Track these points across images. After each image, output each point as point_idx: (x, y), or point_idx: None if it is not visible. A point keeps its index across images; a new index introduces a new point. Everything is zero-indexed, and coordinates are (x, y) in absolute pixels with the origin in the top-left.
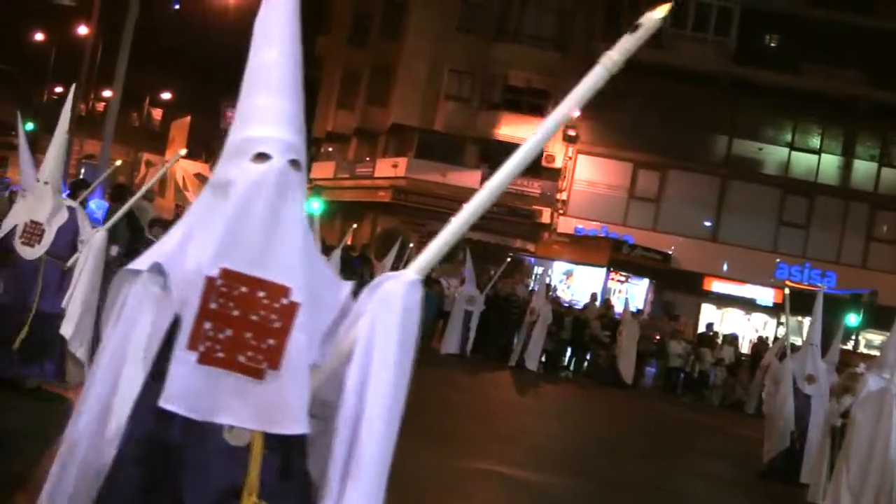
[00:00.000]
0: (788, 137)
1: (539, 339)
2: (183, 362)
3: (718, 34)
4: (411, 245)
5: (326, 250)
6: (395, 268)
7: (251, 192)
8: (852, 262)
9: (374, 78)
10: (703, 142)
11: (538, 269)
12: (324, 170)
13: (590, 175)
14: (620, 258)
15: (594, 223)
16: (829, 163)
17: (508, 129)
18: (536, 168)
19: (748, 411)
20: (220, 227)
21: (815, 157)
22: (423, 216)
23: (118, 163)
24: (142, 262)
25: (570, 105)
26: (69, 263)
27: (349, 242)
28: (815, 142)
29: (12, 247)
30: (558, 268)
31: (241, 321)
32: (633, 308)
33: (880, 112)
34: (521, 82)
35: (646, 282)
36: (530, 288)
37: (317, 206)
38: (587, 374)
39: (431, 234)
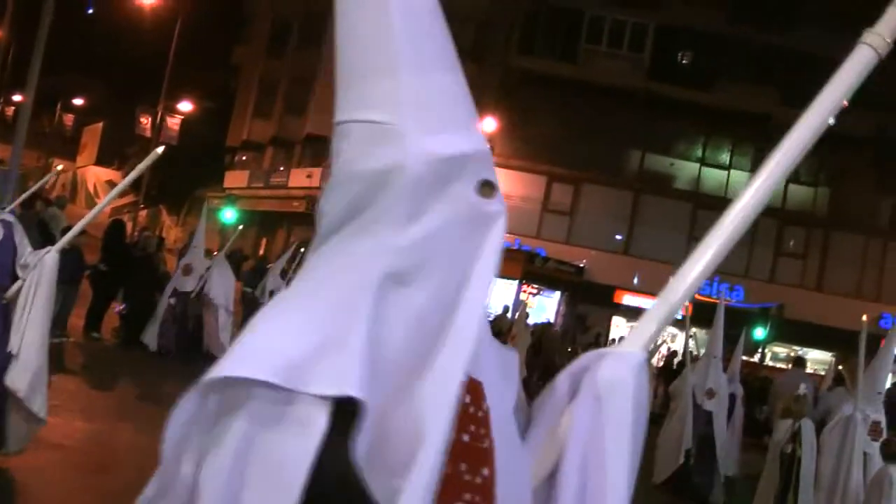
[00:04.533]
0: (699, 153)
1: None
2: None
3: (633, 50)
4: None
5: (237, 261)
6: None
7: (490, 251)
8: (760, 276)
9: (292, 87)
10: (617, 156)
11: None
12: (238, 178)
13: (503, 187)
14: (533, 271)
15: (507, 236)
16: (739, 179)
17: None
18: None
19: None
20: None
21: (725, 172)
22: None
23: (59, 167)
24: (262, 366)
25: (835, 100)
26: (9, 294)
27: (261, 254)
28: (726, 158)
29: None
30: None
31: (456, 448)
32: (545, 320)
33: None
34: None
35: (558, 294)
36: None
37: (230, 215)
38: None
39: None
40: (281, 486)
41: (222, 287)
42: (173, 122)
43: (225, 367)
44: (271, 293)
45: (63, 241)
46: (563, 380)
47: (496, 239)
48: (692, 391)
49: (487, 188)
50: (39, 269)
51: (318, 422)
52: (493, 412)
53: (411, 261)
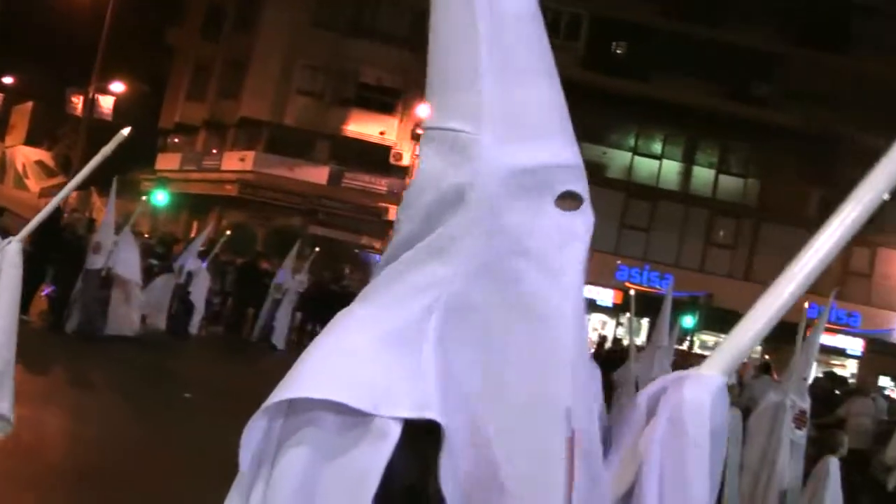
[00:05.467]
0: (632, 143)
1: (284, 317)
2: None
3: (568, 39)
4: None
5: (168, 243)
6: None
7: (571, 269)
8: (690, 265)
9: (226, 70)
10: None
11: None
12: (170, 161)
13: None
14: None
15: None
16: (670, 168)
17: (357, 125)
18: (384, 165)
19: None
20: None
21: (657, 162)
22: (270, 210)
23: None
24: (342, 390)
25: None
26: None
27: (193, 236)
28: (658, 148)
29: None
30: None
31: None
32: None
33: (721, 122)
34: (373, 80)
35: None
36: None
37: (162, 197)
38: None
39: (279, 230)
40: (352, 497)
41: (129, 262)
42: (106, 101)
43: (302, 388)
44: (189, 273)
45: (25, 231)
46: (641, 400)
47: (575, 255)
48: (635, 381)
49: (570, 200)
50: (1, 260)
51: (390, 437)
52: (582, 443)
53: (483, 281)
